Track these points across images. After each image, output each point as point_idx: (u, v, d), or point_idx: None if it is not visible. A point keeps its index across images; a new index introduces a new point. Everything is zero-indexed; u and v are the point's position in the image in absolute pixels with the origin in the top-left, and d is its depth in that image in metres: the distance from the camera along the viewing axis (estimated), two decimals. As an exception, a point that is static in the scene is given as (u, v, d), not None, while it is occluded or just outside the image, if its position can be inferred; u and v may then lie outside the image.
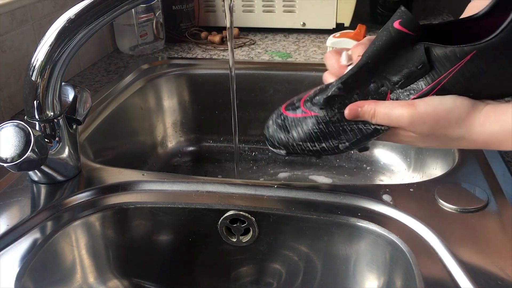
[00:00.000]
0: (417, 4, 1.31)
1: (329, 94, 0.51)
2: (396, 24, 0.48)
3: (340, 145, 0.52)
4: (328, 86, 0.52)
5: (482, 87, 0.48)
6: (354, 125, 0.51)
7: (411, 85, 0.49)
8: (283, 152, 0.55)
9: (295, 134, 0.54)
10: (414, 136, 0.49)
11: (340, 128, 0.52)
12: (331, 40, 0.96)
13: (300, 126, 0.53)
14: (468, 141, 0.47)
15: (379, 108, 0.49)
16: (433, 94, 0.48)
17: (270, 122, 0.56)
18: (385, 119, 0.49)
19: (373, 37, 0.58)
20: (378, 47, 0.50)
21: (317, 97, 0.52)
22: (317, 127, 0.52)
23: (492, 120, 0.46)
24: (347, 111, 0.50)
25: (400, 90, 0.50)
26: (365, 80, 0.51)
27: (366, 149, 0.54)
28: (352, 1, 1.09)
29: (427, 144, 0.50)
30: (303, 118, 0.53)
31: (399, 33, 0.48)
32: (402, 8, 0.48)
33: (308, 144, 0.53)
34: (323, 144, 0.53)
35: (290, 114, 0.54)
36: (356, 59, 0.54)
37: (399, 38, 0.48)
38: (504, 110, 0.46)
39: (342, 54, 0.57)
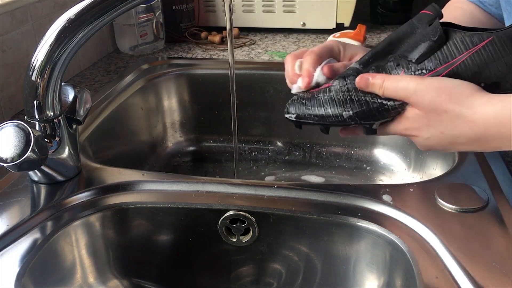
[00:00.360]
0: (417, 4, 1.31)
1: (347, 71, 0.53)
2: (423, 11, 0.51)
3: (344, 113, 0.53)
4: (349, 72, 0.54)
5: (491, 76, 0.48)
6: (362, 96, 0.52)
7: (425, 63, 0.50)
8: (293, 116, 0.57)
9: (307, 102, 0.55)
10: (417, 114, 0.49)
11: (348, 97, 0.53)
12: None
13: (315, 95, 0.55)
14: (469, 123, 0.46)
15: (388, 81, 0.50)
16: (443, 76, 0.49)
17: (295, 96, 0.57)
18: (392, 91, 0.50)
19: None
20: (399, 30, 0.52)
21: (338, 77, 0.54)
22: (328, 94, 0.54)
23: (494, 101, 0.46)
24: (358, 79, 0.51)
25: (414, 66, 0.51)
26: (383, 58, 0.53)
27: (373, 131, 0.54)
28: (352, 1, 1.09)
29: (431, 131, 0.49)
30: (320, 90, 0.55)
31: (421, 14, 0.50)
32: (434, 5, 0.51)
33: (316, 108, 0.55)
34: (329, 110, 0.54)
35: (312, 90, 0.56)
36: (305, 68, 0.57)
37: (420, 18, 0.50)
38: (507, 96, 0.45)
39: (296, 62, 0.59)
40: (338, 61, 0.60)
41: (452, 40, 0.49)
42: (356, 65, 0.54)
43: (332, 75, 0.55)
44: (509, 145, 0.46)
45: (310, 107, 0.55)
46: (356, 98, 0.53)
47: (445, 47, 0.50)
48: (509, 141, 0.46)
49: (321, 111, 0.55)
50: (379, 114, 0.52)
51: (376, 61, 0.53)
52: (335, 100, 0.54)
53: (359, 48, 0.61)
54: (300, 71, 0.58)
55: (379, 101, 0.51)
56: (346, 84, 0.53)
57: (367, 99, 0.52)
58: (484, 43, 0.48)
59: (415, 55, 0.50)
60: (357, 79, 0.51)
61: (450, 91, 0.47)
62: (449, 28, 0.49)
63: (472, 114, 0.46)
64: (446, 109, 0.47)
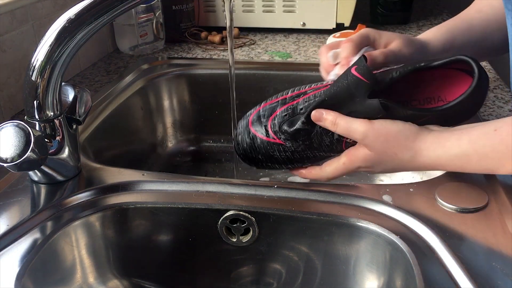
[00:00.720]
0: (417, 4, 1.31)
1: (295, 127, 0.57)
2: (353, 70, 0.53)
3: (303, 166, 0.61)
4: (294, 114, 0.58)
5: None
6: (317, 153, 0.58)
7: None
8: (254, 167, 0.62)
9: (262, 157, 0.60)
10: (370, 155, 0.54)
11: (304, 155, 0.58)
12: (331, 40, 0.96)
13: (269, 150, 0.59)
14: (418, 164, 0.53)
15: (341, 120, 0.54)
16: None
17: (240, 138, 0.62)
18: (344, 129, 0.54)
19: (368, 29, 0.60)
20: (336, 89, 0.55)
21: (284, 127, 0.58)
22: (284, 154, 0.59)
23: (436, 146, 0.51)
24: (313, 114, 0.55)
25: None
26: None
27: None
28: (352, 1, 1.09)
29: (383, 167, 0.55)
30: (272, 143, 0.59)
31: (355, 79, 0.53)
32: (362, 56, 0.54)
33: (276, 165, 0.61)
34: (289, 166, 0.61)
35: (258, 134, 0.60)
36: (343, 57, 0.60)
37: (356, 84, 0.53)
38: (447, 137, 0.51)
39: (329, 53, 0.62)
40: (375, 48, 0.62)
41: (391, 112, 0.53)
42: (302, 119, 0.56)
43: (371, 63, 0.57)
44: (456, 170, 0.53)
45: (269, 164, 0.61)
46: (312, 155, 0.59)
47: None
48: (455, 170, 0.53)
49: (282, 168, 0.61)
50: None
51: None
52: (292, 159, 0.59)
53: (393, 35, 0.63)
54: (335, 61, 0.61)
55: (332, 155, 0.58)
56: (300, 145, 0.58)
57: (321, 154, 0.58)
58: (423, 120, 0.54)
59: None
60: (312, 113, 0.55)
61: (397, 135, 0.52)
62: (386, 101, 0.52)
63: (421, 157, 0.52)
64: (396, 152, 0.53)
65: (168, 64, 1.00)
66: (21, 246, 0.51)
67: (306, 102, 0.57)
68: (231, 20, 0.67)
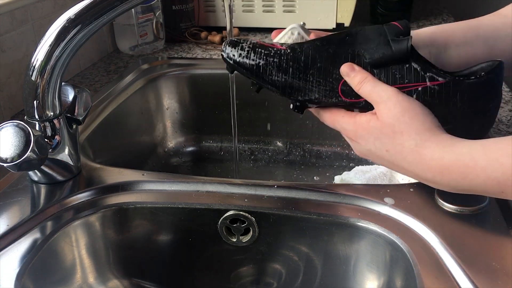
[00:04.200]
0: (417, 4, 1.31)
1: (304, 44, 0.53)
2: (394, 23, 0.51)
3: (276, 80, 0.53)
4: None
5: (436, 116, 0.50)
6: (310, 83, 0.52)
7: (377, 71, 0.51)
8: (231, 61, 0.54)
9: (254, 62, 0.53)
10: (374, 122, 0.49)
11: (298, 76, 0.52)
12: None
13: (265, 54, 0.53)
14: (416, 154, 0.47)
15: (368, 82, 0.50)
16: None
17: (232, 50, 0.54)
18: (366, 92, 0.50)
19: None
20: (368, 28, 0.52)
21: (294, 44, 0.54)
22: (279, 63, 0.52)
23: (446, 145, 0.46)
24: (344, 66, 0.51)
25: (367, 68, 0.51)
26: (342, 46, 0.52)
27: (299, 108, 0.54)
28: (352, 1, 1.09)
29: (377, 145, 0.49)
30: (272, 48, 0.53)
31: (392, 25, 0.51)
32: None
33: (264, 75, 0.53)
34: (279, 80, 0.53)
35: (259, 41, 0.54)
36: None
37: (390, 27, 0.50)
38: (459, 140, 0.46)
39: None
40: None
41: (411, 65, 0.49)
42: (316, 42, 0.53)
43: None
44: (445, 187, 0.47)
45: (250, 59, 0.53)
46: (304, 81, 0.52)
47: (402, 67, 0.50)
48: (447, 186, 0.47)
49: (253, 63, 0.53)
50: (319, 94, 0.52)
51: (335, 46, 0.52)
52: (282, 66, 0.52)
53: None
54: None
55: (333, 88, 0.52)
56: (300, 52, 0.52)
57: (318, 80, 0.52)
58: (437, 83, 0.49)
59: (372, 58, 0.51)
60: (345, 65, 0.51)
61: (414, 116, 0.48)
62: (414, 52, 0.50)
63: (423, 148, 0.47)
64: (403, 131, 0.48)
65: (168, 64, 1.00)
66: (21, 246, 0.51)
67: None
68: (231, 20, 0.67)
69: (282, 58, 0.52)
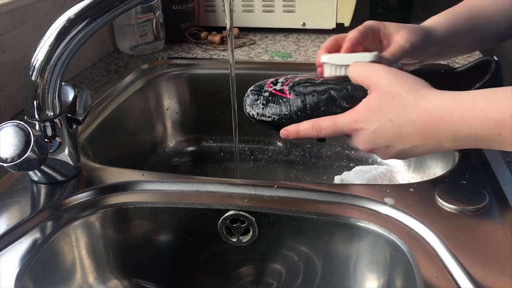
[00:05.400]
0: (417, 4, 1.31)
1: (309, 90, 0.57)
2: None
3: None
4: (308, 82, 0.58)
5: None
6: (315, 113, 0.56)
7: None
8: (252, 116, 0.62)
9: (262, 104, 0.60)
10: (371, 98, 0.50)
11: (304, 117, 0.57)
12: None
13: (271, 100, 0.59)
14: (418, 109, 0.47)
15: (354, 65, 0.53)
16: None
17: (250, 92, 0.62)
18: (356, 69, 0.53)
19: (372, 21, 0.61)
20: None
21: (299, 88, 0.58)
22: (286, 108, 0.58)
23: (446, 93, 0.47)
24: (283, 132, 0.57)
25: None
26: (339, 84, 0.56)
27: (320, 139, 0.58)
28: (352, 1, 1.09)
29: (382, 118, 0.50)
30: (278, 96, 0.59)
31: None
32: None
33: (273, 116, 0.59)
34: (284, 122, 0.59)
35: (270, 87, 0.60)
36: (348, 39, 0.60)
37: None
38: (458, 93, 0.47)
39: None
40: (379, 38, 0.62)
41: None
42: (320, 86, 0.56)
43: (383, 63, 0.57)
44: (447, 140, 0.47)
45: (268, 110, 0.60)
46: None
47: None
48: (449, 134, 0.47)
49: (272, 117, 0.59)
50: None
51: (333, 85, 0.56)
52: (292, 117, 0.58)
53: (397, 26, 0.62)
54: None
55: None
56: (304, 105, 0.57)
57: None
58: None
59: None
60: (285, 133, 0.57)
61: (407, 78, 0.50)
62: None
63: (423, 101, 0.47)
64: (401, 92, 0.49)
65: (168, 64, 1.00)
66: (21, 246, 0.51)
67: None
68: (231, 20, 0.67)
69: (292, 109, 0.57)
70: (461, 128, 0.45)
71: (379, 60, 0.57)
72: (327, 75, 0.59)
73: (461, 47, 0.67)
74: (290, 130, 0.57)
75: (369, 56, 0.57)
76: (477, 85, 0.54)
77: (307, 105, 0.56)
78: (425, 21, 0.66)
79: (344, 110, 0.54)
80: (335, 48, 0.61)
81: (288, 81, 0.60)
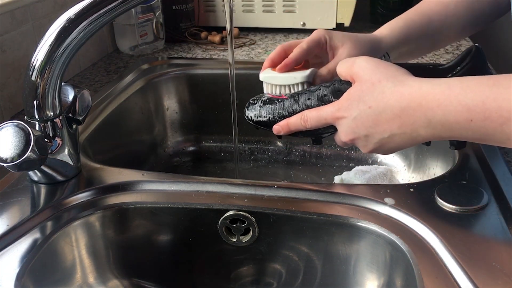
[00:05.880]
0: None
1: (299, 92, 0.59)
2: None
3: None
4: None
5: None
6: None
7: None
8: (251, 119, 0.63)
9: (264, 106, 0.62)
10: (353, 88, 0.51)
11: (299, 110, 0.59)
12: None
13: (272, 103, 0.61)
14: (396, 94, 0.48)
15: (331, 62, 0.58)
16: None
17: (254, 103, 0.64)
18: (342, 66, 0.54)
19: (320, 31, 0.63)
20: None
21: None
22: (282, 108, 0.60)
23: (423, 80, 0.48)
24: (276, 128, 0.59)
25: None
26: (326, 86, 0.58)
27: (315, 141, 0.60)
28: (352, 1, 1.09)
29: (362, 106, 0.50)
30: (276, 99, 0.61)
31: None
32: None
33: (270, 116, 0.61)
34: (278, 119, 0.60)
35: (270, 95, 0.63)
36: (289, 58, 0.62)
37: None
38: (437, 79, 0.48)
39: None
40: (325, 49, 0.63)
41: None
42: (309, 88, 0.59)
43: (319, 80, 0.61)
44: (423, 126, 0.47)
45: (263, 113, 0.62)
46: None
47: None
48: (425, 120, 0.47)
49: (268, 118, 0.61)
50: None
51: (324, 87, 0.58)
52: (285, 113, 0.59)
53: (344, 37, 0.63)
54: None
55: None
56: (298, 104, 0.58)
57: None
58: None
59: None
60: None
61: (388, 66, 0.51)
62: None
63: (402, 86, 0.48)
64: (381, 79, 0.49)
65: (168, 64, 1.00)
66: (21, 246, 0.51)
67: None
68: (231, 20, 0.67)
69: (285, 107, 0.59)
70: (436, 113, 0.46)
71: (313, 79, 0.61)
72: (265, 92, 0.63)
73: (411, 53, 0.69)
74: (281, 125, 0.59)
75: (299, 77, 0.60)
76: (458, 68, 0.55)
77: (299, 102, 0.58)
78: (380, 28, 0.67)
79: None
80: (282, 58, 0.62)
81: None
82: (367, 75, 0.50)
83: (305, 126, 0.56)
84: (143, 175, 0.62)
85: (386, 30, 0.66)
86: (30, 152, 0.52)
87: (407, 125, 0.48)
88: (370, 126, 0.50)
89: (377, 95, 0.49)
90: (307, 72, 0.60)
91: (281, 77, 0.61)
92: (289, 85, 0.61)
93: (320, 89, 0.56)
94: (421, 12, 0.67)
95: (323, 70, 0.61)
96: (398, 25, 0.67)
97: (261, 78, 0.63)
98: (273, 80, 0.62)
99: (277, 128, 0.59)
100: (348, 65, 0.53)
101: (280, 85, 0.62)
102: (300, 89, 0.61)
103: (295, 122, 0.57)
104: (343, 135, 0.53)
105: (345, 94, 0.52)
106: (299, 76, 0.60)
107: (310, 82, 0.61)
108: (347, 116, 0.51)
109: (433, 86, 0.46)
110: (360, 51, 0.61)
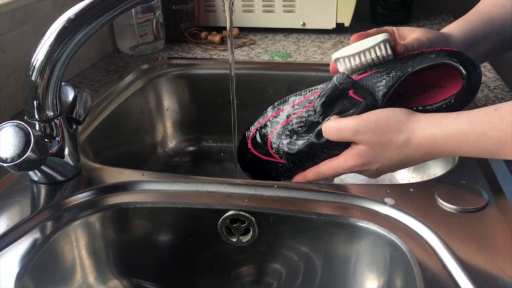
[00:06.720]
0: (417, 4, 1.31)
1: (295, 152, 0.61)
2: (351, 93, 0.56)
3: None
4: (292, 135, 0.62)
5: None
6: (317, 161, 0.61)
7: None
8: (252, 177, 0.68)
9: (262, 171, 0.66)
10: (364, 149, 0.54)
11: (305, 166, 0.63)
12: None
13: (270, 165, 0.64)
14: (414, 147, 0.51)
15: (328, 123, 0.56)
16: None
17: (241, 154, 0.68)
18: (334, 130, 0.55)
19: (385, 27, 0.62)
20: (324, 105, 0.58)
21: (285, 149, 0.62)
22: (284, 168, 0.64)
23: (433, 123, 0.50)
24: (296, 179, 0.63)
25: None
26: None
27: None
28: (352, 1, 1.09)
29: (380, 161, 0.54)
30: (272, 162, 0.64)
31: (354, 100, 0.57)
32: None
33: (276, 177, 0.66)
34: (288, 174, 0.65)
35: (259, 155, 0.65)
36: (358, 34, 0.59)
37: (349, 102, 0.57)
38: (444, 116, 0.50)
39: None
40: (394, 40, 0.62)
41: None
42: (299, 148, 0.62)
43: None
44: (452, 154, 0.52)
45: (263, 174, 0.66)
46: (311, 164, 0.62)
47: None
48: (450, 154, 0.51)
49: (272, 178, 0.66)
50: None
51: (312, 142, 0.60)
52: (291, 170, 0.64)
53: (411, 28, 0.62)
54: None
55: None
56: (300, 160, 0.62)
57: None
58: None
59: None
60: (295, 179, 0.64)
61: (388, 121, 0.52)
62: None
63: (415, 137, 0.51)
64: (391, 138, 0.52)
65: (168, 64, 1.00)
66: (21, 246, 0.51)
67: (301, 122, 0.61)
68: (231, 20, 0.67)
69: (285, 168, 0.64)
70: (456, 153, 0.51)
71: (391, 39, 0.56)
72: (342, 69, 0.58)
73: (477, 54, 0.65)
74: (298, 178, 0.64)
75: (379, 36, 0.56)
76: (452, 98, 0.53)
77: (294, 162, 0.62)
78: (442, 29, 0.66)
79: (328, 156, 0.59)
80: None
81: (268, 140, 0.64)
82: (373, 138, 0.53)
83: (321, 178, 0.61)
84: (143, 175, 0.62)
85: (451, 29, 0.65)
86: (30, 152, 0.52)
87: (430, 159, 0.54)
88: (395, 168, 0.55)
89: (393, 151, 0.53)
90: (384, 33, 0.56)
91: (358, 44, 0.56)
92: (369, 49, 0.56)
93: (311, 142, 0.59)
94: (480, 12, 0.66)
95: (400, 44, 0.58)
96: (462, 23, 0.65)
97: (336, 56, 0.58)
98: (349, 50, 0.57)
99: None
100: (350, 134, 0.54)
101: (359, 52, 0.56)
102: (379, 54, 0.56)
103: (312, 176, 0.62)
104: (369, 177, 0.58)
105: (355, 153, 0.55)
106: (379, 36, 0.55)
107: (391, 43, 0.56)
108: (368, 169, 0.56)
109: (446, 135, 0.49)
110: (433, 35, 0.60)
